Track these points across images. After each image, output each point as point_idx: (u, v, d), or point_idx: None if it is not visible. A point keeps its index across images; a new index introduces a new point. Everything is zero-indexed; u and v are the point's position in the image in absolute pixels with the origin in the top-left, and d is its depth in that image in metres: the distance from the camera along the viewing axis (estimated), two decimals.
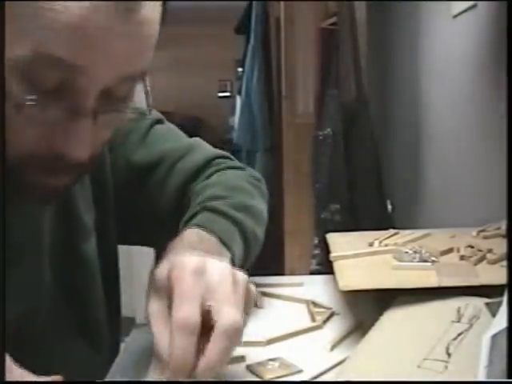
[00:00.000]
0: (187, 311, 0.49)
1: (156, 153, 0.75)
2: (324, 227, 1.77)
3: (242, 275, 0.54)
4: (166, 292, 0.52)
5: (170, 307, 0.51)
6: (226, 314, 0.49)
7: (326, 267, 0.79)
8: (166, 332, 0.50)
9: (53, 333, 0.51)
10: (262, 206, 0.76)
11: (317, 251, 1.89)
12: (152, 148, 0.75)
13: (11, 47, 0.47)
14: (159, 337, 0.50)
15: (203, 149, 0.80)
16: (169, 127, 0.80)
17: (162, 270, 0.54)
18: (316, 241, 1.91)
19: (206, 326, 0.49)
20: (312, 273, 1.88)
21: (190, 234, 0.62)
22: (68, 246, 0.68)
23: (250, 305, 0.55)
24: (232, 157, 0.82)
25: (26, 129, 0.51)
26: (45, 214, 0.64)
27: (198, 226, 0.64)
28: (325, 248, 0.92)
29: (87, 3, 0.47)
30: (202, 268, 0.52)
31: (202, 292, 0.51)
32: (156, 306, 0.53)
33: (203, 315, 0.49)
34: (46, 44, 0.47)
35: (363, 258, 0.80)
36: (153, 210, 0.75)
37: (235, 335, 0.49)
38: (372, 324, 0.63)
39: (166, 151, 0.75)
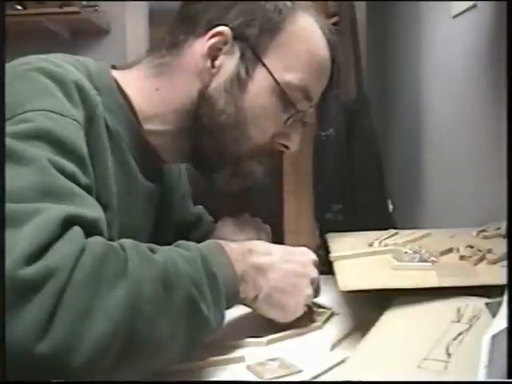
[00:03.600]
0: None
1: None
2: (327, 227, 1.77)
3: None
4: None
5: None
6: None
7: (327, 267, 0.79)
8: None
9: None
10: None
11: (320, 252, 1.89)
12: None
13: (284, 73, 0.73)
14: None
15: None
16: None
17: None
18: (319, 241, 1.91)
19: None
20: None
21: None
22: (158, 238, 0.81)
23: None
24: None
25: (269, 127, 0.75)
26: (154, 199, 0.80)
27: None
28: (325, 248, 0.92)
29: (326, 49, 0.76)
30: None
31: None
32: None
33: None
34: (304, 79, 0.74)
35: (363, 258, 0.80)
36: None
37: None
38: (372, 324, 0.63)
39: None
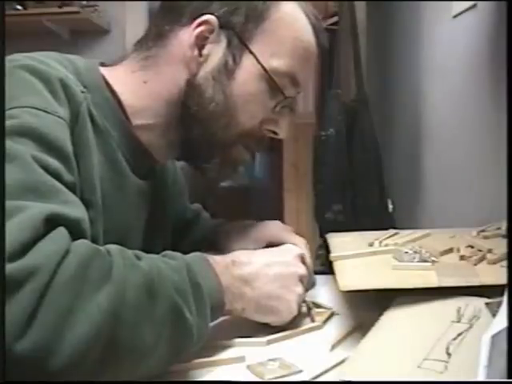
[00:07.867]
0: None
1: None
2: (327, 227, 1.77)
3: None
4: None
5: None
6: None
7: (327, 267, 0.79)
8: None
9: None
10: None
11: (321, 252, 1.89)
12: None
13: (271, 59, 0.73)
14: None
15: None
16: None
17: None
18: (320, 241, 1.91)
19: None
20: (316, 273, 1.88)
21: None
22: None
23: None
24: None
25: (258, 113, 0.75)
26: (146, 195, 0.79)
27: None
28: (325, 248, 0.92)
29: (312, 35, 0.76)
30: None
31: None
32: None
33: None
34: (291, 65, 0.75)
35: (363, 258, 0.80)
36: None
37: None
38: (372, 324, 0.63)
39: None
